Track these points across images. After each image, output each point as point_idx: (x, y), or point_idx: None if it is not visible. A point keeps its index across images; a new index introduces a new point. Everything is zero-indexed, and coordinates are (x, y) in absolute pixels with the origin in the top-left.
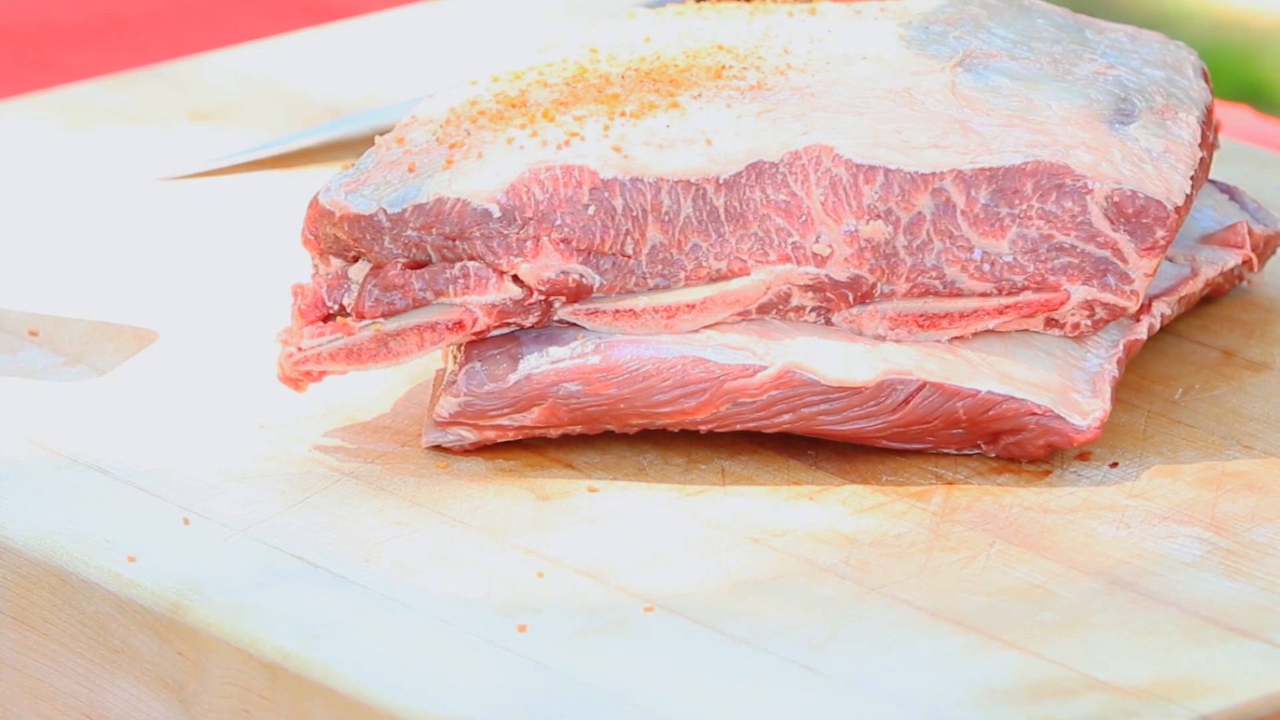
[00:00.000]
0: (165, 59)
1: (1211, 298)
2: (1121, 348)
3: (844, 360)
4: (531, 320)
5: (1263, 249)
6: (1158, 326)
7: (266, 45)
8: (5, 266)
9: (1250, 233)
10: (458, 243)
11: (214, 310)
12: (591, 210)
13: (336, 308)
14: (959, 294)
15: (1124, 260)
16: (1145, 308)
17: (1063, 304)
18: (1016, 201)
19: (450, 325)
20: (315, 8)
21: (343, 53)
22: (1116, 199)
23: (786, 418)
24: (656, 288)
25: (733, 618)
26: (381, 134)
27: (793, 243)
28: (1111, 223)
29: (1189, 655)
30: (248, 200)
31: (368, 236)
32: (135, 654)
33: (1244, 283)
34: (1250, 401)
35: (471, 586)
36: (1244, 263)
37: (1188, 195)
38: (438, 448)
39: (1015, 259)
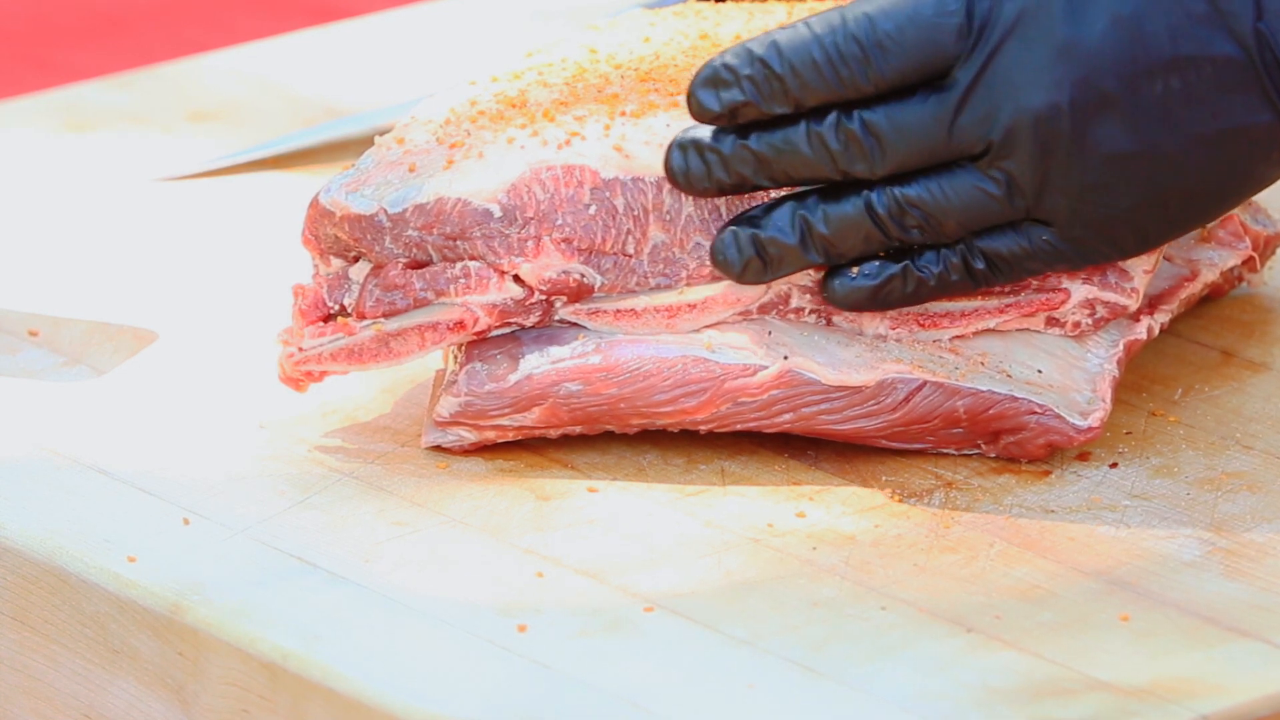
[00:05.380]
0: (165, 59)
1: (1211, 298)
2: (1121, 348)
3: (844, 359)
4: (532, 320)
5: (1262, 249)
6: (1157, 329)
7: (266, 45)
8: (5, 266)
9: (1250, 233)
10: (459, 242)
11: (214, 310)
12: (593, 210)
13: (337, 308)
14: None
15: None
16: (1147, 309)
17: (1063, 303)
18: None
19: (451, 325)
20: (315, 8)
21: (343, 53)
22: None
23: (787, 417)
24: (658, 287)
25: (733, 618)
26: (382, 134)
27: None
28: None
29: (1189, 655)
30: (248, 200)
31: (368, 236)
32: (135, 654)
33: (1244, 283)
34: (1250, 401)
35: (471, 586)
36: (1244, 263)
37: None
38: (438, 448)
39: None
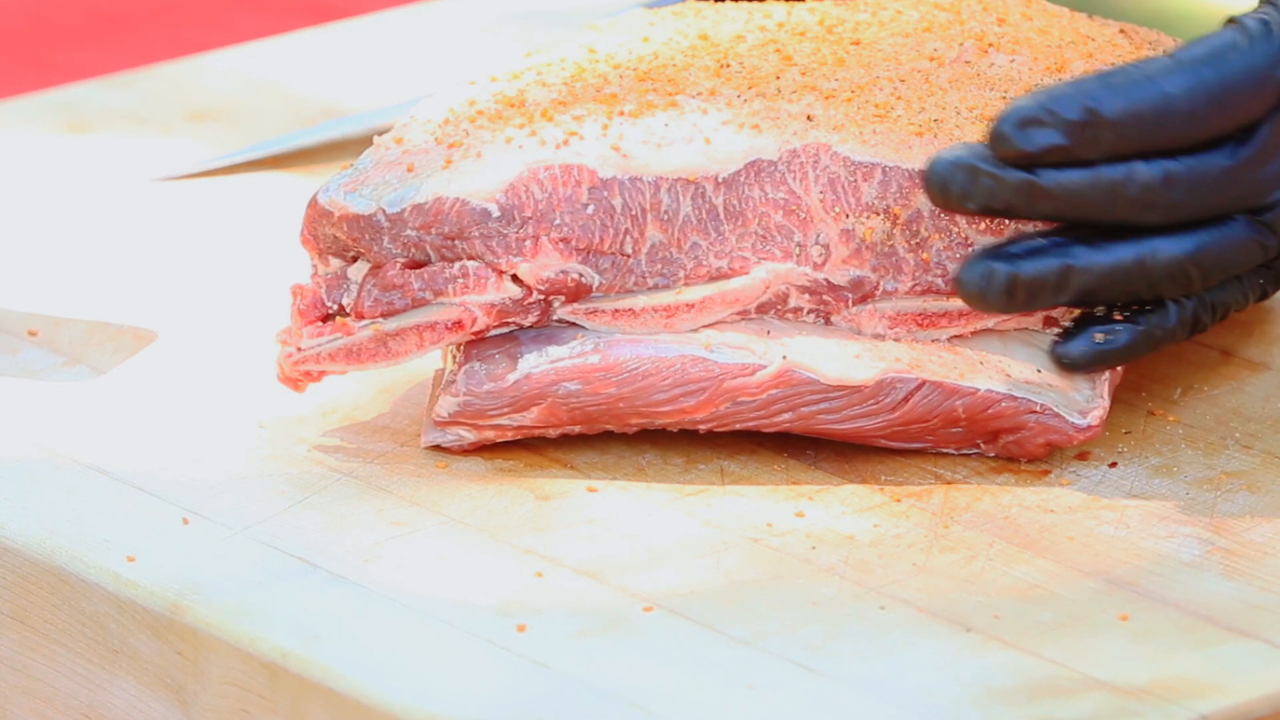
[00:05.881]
0: (165, 59)
1: None
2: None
3: (843, 359)
4: (531, 320)
5: None
6: None
7: (266, 45)
8: (5, 266)
9: None
10: (457, 242)
11: (213, 310)
12: (590, 209)
13: (335, 308)
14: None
15: None
16: None
17: None
18: None
19: (449, 325)
20: (315, 8)
21: (343, 53)
22: None
23: (786, 417)
24: (656, 287)
25: (733, 618)
26: (381, 134)
27: (795, 241)
28: None
29: (1188, 655)
30: (248, 200)
31: (367, 236)
32: (135, 654)
33: None
34: (1250, 401)
35: (471, 586)
36: None
37: None
38: (437, 447)
39: None
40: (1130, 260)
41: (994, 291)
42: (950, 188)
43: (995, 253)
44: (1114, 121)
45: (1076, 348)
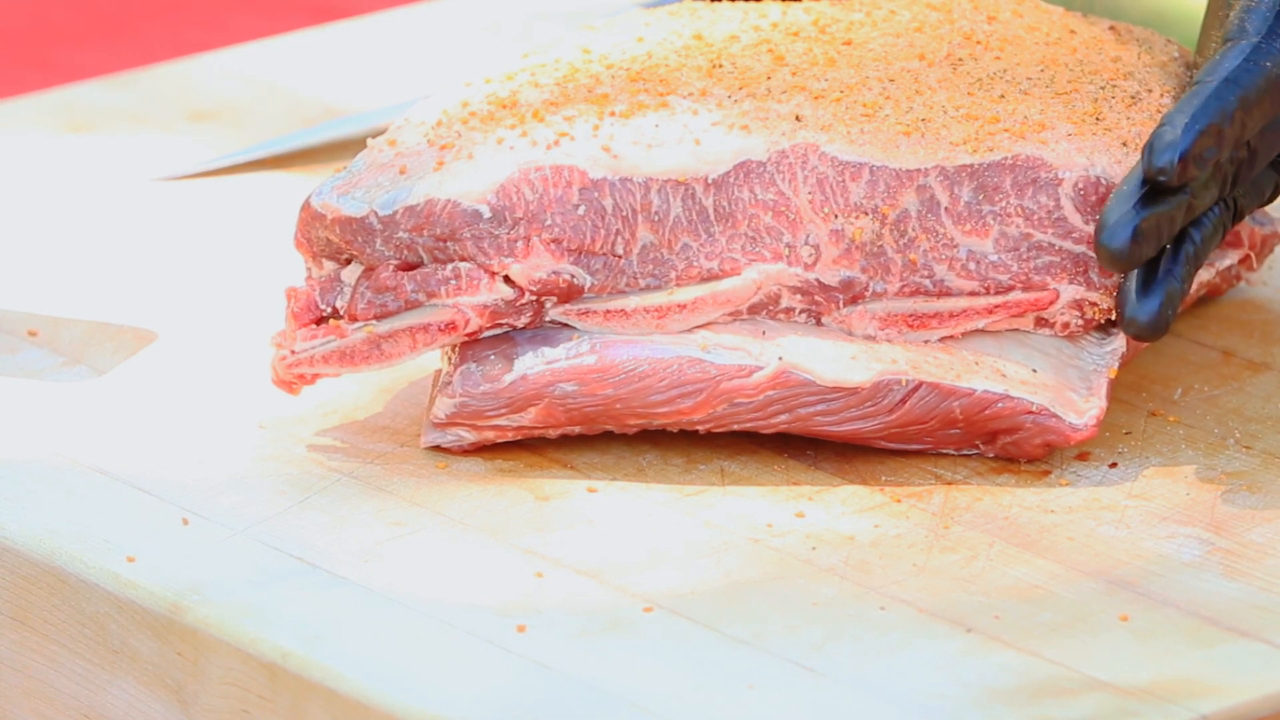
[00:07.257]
0: (165, 59)
1: (1210, 297)
2: (1121, 344)
3: (840, 360)
4: (523, 321)
5: (1260, 247)
6: None
7: (266, 45)
8: (5, 266)
9: (1246, 231)
10: (449, 244)
11: (213, 310)
12: (581, 210)
13: (329, 310)
14: (948, 293)
15: None
16: None
17: (1051, 303)
18: (997, 198)
19: (442, 326)
20: (315, 8)
21: (343, 53)
22: (1081, 187)
23: (783, 418)
24: (647, 288)
25: (733, 618)
26: (378, 135)
27: (784, 242)
28: (1082, 214)
29: (1189, 655)
30: (248, 200)
31: (359, 239)
32: (135, 654)
33: (1242, 282)
34: (1250, 401)
35: (471, 586)
36: (1241, 261)
37: None
38: (437, 448)
39: (1000, 258)
40: (1219, 218)
41: (1165, 319)
42: (1136, 252)
43: (1156, 284)
44: (1247, 113)
45: (1143, 315)
